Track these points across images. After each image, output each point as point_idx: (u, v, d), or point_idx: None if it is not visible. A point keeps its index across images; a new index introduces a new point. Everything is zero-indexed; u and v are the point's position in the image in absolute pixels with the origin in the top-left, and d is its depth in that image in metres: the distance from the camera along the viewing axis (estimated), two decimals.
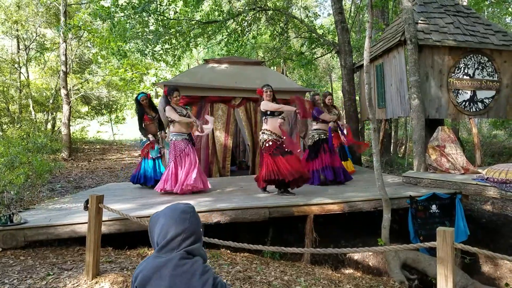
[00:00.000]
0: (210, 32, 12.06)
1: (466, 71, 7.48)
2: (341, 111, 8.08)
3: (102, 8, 10.14)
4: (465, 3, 11.61)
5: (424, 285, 4.78)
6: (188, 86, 7.93)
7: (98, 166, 12.59)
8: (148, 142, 6.64)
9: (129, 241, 4.47)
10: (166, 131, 6.65)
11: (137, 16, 10.39)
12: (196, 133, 6.30)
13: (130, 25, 10.31)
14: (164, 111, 6.03)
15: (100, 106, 18.81)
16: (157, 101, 15.21)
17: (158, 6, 10.72)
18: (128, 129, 23.06)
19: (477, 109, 7.57)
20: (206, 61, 9.56)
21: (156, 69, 17.41)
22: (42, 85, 17.07)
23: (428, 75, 7.36)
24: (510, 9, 16.85)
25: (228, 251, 4.49)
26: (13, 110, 16.04)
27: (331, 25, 14.98)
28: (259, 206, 4.90)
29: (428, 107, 7.27)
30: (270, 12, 12.69)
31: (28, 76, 16.45)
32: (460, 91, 7.47)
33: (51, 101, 16.38)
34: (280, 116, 5.74)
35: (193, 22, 11.73)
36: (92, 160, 13.80)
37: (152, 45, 11.41)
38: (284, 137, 5.74)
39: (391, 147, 14.55)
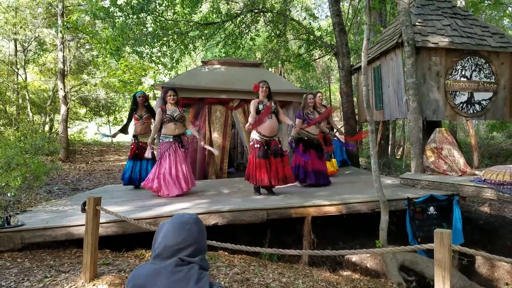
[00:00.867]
0: (208, 35, 12.06)
1: (463, 73, 7.50)
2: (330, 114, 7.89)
3: (102, 8, 10.14)
4: (462, 3, 11.64)
5: (422, 286, 4.79)
6: (186, 88, 7.92)
7: (96, 168, 12.57)
8: (132, 142, 6.75)
9: (127, 243, 4.46)
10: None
11: (135, 17, 10.39)
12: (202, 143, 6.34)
13: (128, 26, 10.31)
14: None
15: (98, 108, 18.78)
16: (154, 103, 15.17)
17: (157, 6, 10.72)
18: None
19: (475, 111, 7.59)
20: (204, 63, 9.56)
21: (154, 71, 17.41)
22: (40, 87, 17.04)
23: (425, 77, 7.38)
24: (507, 12, 16.94)
25: (226, 253, 4.49)
26: (11, 112, 16.00)
27: (329, 27, 15.01)
28: (257, 208, 4.90)
29: (425, 109, 7.29)
30: (268, 14, 12.71)
31: (26, 78, 16.42)
32: (457, 93, 7.49)
33: (48, 103, 16.35)
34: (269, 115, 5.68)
35: (191, 24, 11.74)
36: (90, 162, 13.77)
37: (150, 47, 11.41)
38: (275, 137, 5.75)
39: (389, 149, 14.58)
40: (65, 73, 14.38)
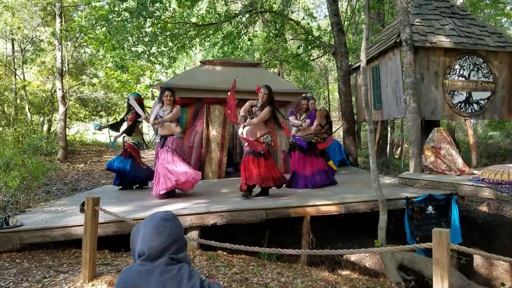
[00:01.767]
0: (205, 35, 12.06)
1: (461, 72, 7.52)
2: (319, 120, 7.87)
3: (101, 16, 10.15)
4: (460, 1, 11.66)
5: (421, 286, 4.80)
6: (184, 88, 7.93)
7: (94, 168, 12.54)
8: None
9: (126, 244, 4.43)
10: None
11: (133, 20, 10.38)
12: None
13: (126, 30, 10.31)
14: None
15: (97, 108, 18.74)
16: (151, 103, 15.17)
17: (155, 12, 10.72)
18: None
19: (473, 110, 7.60)
20: (202, 63, 9.56)
21: (151, 71, 17.40)
22: (38, 87, 17.00)
23: (423, 76, 7.39)
24: (505, 11, 16.97)
25: (225, 253, 4.49)
26: (9, 112, 15.97)
27: (328, 26, 15.01)
28: (255, 207, 4.90)
29: (424, 108, 7.30)
30: (266, 15, 12.71)
31: (23, 78, 16.39)
32: (455, 93, 7.51)
33: (47, 103, 16.32)
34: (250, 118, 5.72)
35: (188, 25, 11.74)
36: (88, 162, 13.75)
37: (148, 47, 11.41)
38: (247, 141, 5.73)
39: (387, 149, 14.60)
40: (63, 73, 14.35)
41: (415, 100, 6.84)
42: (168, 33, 11.32)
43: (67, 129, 15.75)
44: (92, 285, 3.27)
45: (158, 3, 10.53)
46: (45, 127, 17.31)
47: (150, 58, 12.18)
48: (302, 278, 3.93)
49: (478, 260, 5.75)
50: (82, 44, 16.54)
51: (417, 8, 8.01)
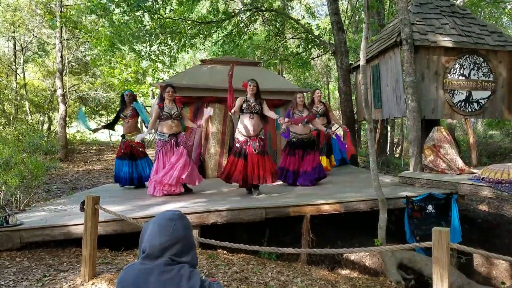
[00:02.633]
0: (206, 33, 12.05)
1: (461, 71, 7.51)
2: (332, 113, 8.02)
3: (99, 4, 10.12)
4: (460, 0, 11.65)
5: (420, 285, 4.80)
6: (184, 86, 7.92)
7: (94, 167, 12.55)
8: (120, 141, 6.79)
9: (126, 242, 4.46)
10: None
11: (132, 14, 10.37)
12: (198, 122, 6.29)
13: (125, 23, 10.30)
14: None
15: (97, 107, 18.74)
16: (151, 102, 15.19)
17: (154, 3, 10.70)
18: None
19: (473, 110, 7.60)
20: (203, 62, 9.56)
21: (152, 70, 17.42)
22: (38, 86, 17.00)
23: (424, 75, 7.38)
24: (506, 10, 16.95)
25: (225, 251, 4.49)
26: (9, 111, 15.98)
27: (328, 25, 15.00)
28: (255, 206, 4.90)
29: (424, 107, 7.29)
30: (266, 13, 12.70)
31: (24, 77, 16.39)
32: (455, 92, 7.50)
33: (46, 102, 16.32)
34: (250, 114, 5.74)
35: (189, 22, 11.73)
36: (88, 161, 13.75)
37: (148, 45, 11.40)
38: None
39: (387, 148, 14.59)
40: (64, 72, 14.35)
41: (415, 99, 6.83)
42: (167, 29, 11.30)
43: (67, 128, 15.74)
44: (92, 284, 3.27)
45: None
46: (45, 126, 17.32)
47: (151, 56, 12.17)
48: (302, 277, 3.93)
49: (478, 259, 5.75)
50: (83, 43, 16.53)
51: (418, 7, 8.00)
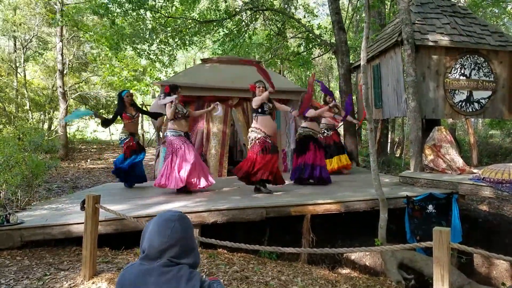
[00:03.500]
0: (206, 32, 12.05)
1: (462, 71, 7.50)
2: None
3: (101, 5, 10.13)
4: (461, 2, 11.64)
5: (421, 284, 4.79)
6: (185, 86, 7.92)
7: (95, 166, 12.56)
8: (127, 139, 6.73)
9: (126, 242, 4.46)
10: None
11: (134, 13, 10.37)
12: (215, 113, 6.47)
13: (127, 22, 10.31)
14: (165, 106, 6.03)
15: (98, 106, 18.75)
16: (152, 101, 15.20)
17: (156, 2, 10.71)
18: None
19: (474, 110, 7.59)
20: (203, 61, 9.56)
21: (151, 69, 17.44)
22: (39, 85, 17.01)
23: (424, 75, 7.38)
24: (507, 10, 16.93)
25: (225, 251, 4.49)
26: (10, 110, 15.99)
27: (329, 24, 15.00)
28: (256, 206, 4.90)
29: (424, 107, 7.29)
30: (267, 13, 12.69)
31: (25, 76, 16.40)
32: (456, 92, 7.49)
33: (47, 101, 16.33)
34: (271, 114, 5.78)
35: (189, 21, 11.72)
36: (89, 160, 13.76)
37: (149, 44, 11.40)
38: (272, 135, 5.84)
39: (388, 147, 14.59)
40: (65, 70, 14.36)
41: (415, 99, 6.83)
42: (169, 28, 11.31)
43: (67, 127, 15.75)
44: (93, 283, 3.27)
45: None
46: (46, 125, 17.32)
47: (150, 56, 12.17)
48: (302, 276, 3.93)
49: (478, 259, 5.75)
50: (84, 42, 16.54)
51: (419, 7, 7.99)
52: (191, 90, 8.02)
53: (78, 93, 16.99)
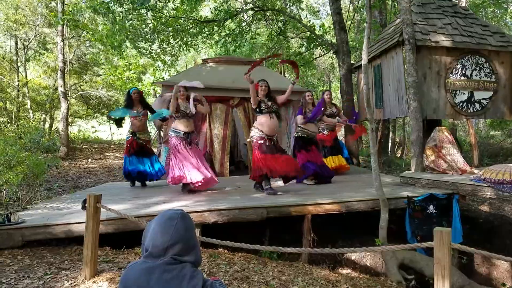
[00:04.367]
0: (207, 32, 12.05)
1: (463, 72, 7.50)
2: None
3: (102, 3, 10.13)
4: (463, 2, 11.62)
5: (422, 285, 4.79)
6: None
7: (96, 165, 12.57)
8: (129, 138, 6.74)
9: (127, 241, 4.47)
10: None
11: (135, 13, 10.38)
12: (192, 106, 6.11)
13: (128, 21, 10.32)
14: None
15: (99, 106, 18.78)
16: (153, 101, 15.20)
17: (157, 1, 10.72)
18: (127, 128, 22.99)
19: (475, 110, 7.59)
20: (204, 61, 9.56)
21: (154, 69, 17.44)
22: (40, 84, 17.03)
23: (426, 75, 7.37)
24: (509, 10, 16.90)
25: (226, 251, 4.49)
26: (11, 109, 16.01)
27: (331, 24, 14.98)
28: (256, 206, 4.90)
29: (425, 107, 7.29)
30: (269, 13, 12.69)
31: (26, 76, 16.42)
32: (457, 92, 7.49)
33: (48, 100, 16.35)
34: (270, 114, 5.74)
35: (191, 21, 11.73)
36: (90, 160, 13.77)
37: (150, 43, 11.41)
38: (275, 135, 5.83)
39: (389, 148, 14.58)
40: (66, 70, 14.38)
41: (417, 99, 6.83)
42: (170, 28, 11.31)
43: (68, 126, 15.77)
44: (94, 282, 3.28)
45: None
46: (47, 125, 17.35)
47: (152, 55, 12.18)
48: (302, 276, 3.93)
49: (479, 259, 5.75)
50: (85, 41, 16.56)
51: (420, 7, 7.99)
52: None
53: (80, 92, 17.00)
